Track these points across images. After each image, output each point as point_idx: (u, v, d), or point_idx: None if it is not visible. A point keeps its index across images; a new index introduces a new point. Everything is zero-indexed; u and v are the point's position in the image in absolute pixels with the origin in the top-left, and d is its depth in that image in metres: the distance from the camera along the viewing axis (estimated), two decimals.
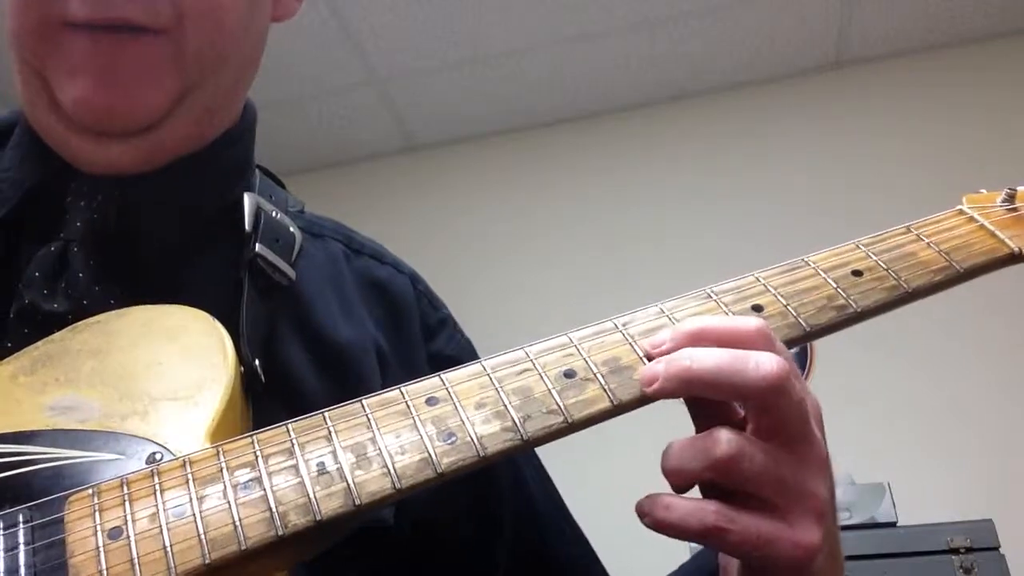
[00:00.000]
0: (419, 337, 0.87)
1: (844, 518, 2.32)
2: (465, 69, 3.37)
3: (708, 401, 0.58)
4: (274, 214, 0.82)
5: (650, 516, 0.55)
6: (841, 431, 2.90)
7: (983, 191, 0.77)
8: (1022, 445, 2.74)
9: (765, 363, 0.55)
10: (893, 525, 2.30)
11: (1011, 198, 0.76)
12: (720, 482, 0.55)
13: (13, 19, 0.71)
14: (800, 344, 0.65)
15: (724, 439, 0.55)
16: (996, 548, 2.18)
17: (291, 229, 0.83)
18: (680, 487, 0.57)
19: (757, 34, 3.26)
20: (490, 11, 3.10)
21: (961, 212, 0.75)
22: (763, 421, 0.56)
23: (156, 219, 0.77)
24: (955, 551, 2.18)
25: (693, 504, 0.55)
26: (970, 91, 3.23)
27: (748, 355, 0.56)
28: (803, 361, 3.01)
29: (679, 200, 3.38)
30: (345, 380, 0.77)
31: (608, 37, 3.25)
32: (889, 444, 2.79)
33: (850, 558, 2.29)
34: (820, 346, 3.00)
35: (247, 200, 0.80)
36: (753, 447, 0.55)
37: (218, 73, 0.77)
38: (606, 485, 2.17)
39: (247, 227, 0.79)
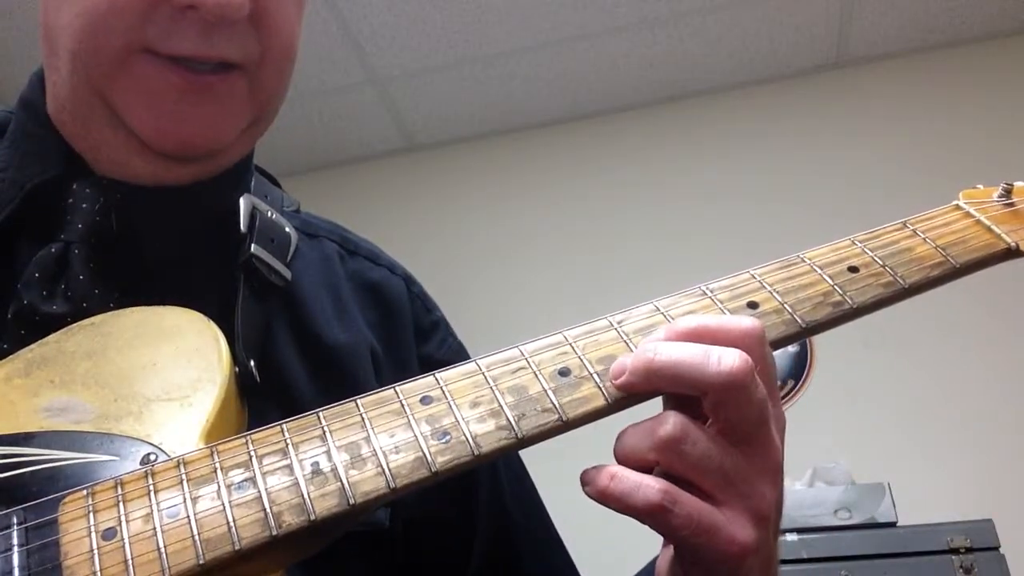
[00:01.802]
0: (411, 339, 0.86)
1: (844, 518, 2.32)
2: (465, 69, 3.36)
3: (683, 398, 0.58)
4: (269, 214, 0.82)
5: (593, 486, 0.55)
6: (841, 431, 2.90)
7: (979, 186, 0.77)
8: (1022, 445, 2.74)
9: (727, 358, 0.55)
10: (893, 525, 2.29)
11: (1007, 193, 0.76)
12: (666, 467, 0.55)
13: (87, 40, 0.71)
14: (796, 340, 0.65)
15: (670, 420, 0.55)
16: (996, 548, 2.17)
17: (286, 229, 0.83)
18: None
19: (757, 34, 3.26)
20: (490, 11, 3.10)
21: (957, 207, 0.75)
22: (720, 415, 0.56)
23: (157, 223, 0.77)
24: (955, 551, 2.17)
25: (638, 479, 0.55)
26: (970, 91, 3.23)
27: (711, 350, 0.56)
28: (803, 361, 3.01)
29: (679, 200, 3.37)
30: (339, 381, 0.77)
31: (608, 37, 3.25)
32: (889, 444, 2.79)
33: (850, 558, 2.29)
34: (820, 346, 3.00)
35: (243, 201, 0.80)
36: (698, 433, 0.55)
37: (281, 101, 0.80)
38: None
39: (242, 228, 0.79)
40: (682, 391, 0.57)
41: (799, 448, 2.73)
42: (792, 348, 2.99)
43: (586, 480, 0.56)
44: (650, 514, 0.54)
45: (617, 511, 0.55)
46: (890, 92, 3.32)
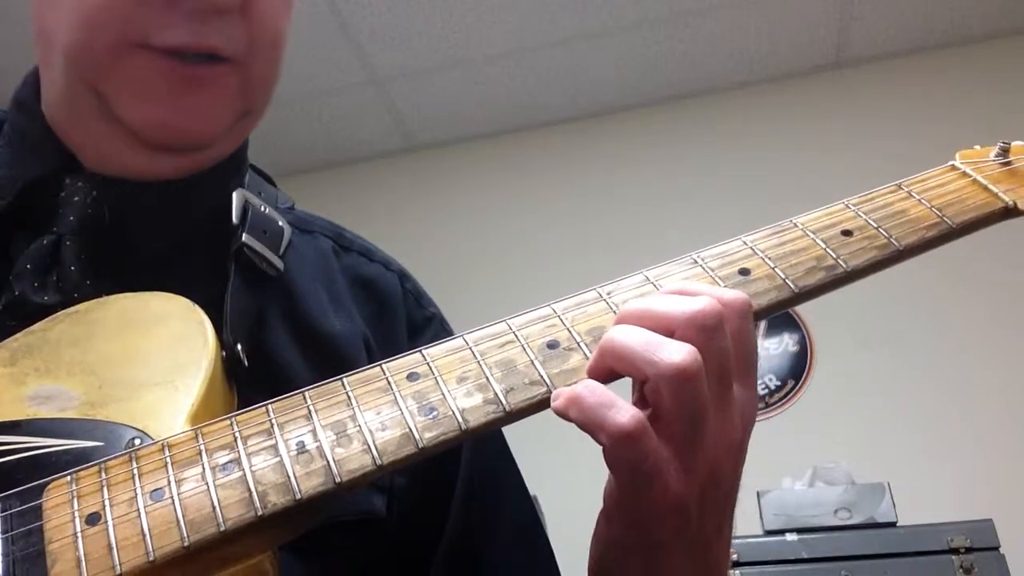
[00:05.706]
0: (405, 334, 0.86)
1: (844, 518, 2.31)
2: (465, 69, 3.36)
3: None
4: (263, 208, 0.83)
5: (563, 397, 0.54)
6: (841, 431, 2.89)
7: (977, 147, 0.75)
8: (1022, 445, 2.73)
9: (676, 352, 0.53)
10: (893, 525, 2.29)
11: (1005, 152, 0.74)
12: (656, 393, 0.53)
13: (80, 34, 0.71)
14: (790, 306, 0.64)
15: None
16: (996, 548, 2.17)
17: (280, 223, 0.83)
18: (602, 378, 0.55)
19: (757, 34, 3.26)
20: (490, 11, 3.10)
21: (953, 168, 0.73)
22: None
23: (148, 217, 0.77)
24: (955, 551, 2.17)
25: (613, 398, 0.53)
26: (970, 91, 3.22)
27: (663, 343, 0.54)
28: (803, 361, 3.00)
29: (679, 200, 3.37)
30: (333, 368, 0.76)
31: (608, 37, 3.25)
32: (889, 444, 2.78)
33: (850, 558, 2.29)
34: (820, 346, 3.00)
35: (235, 195, 0.81)
36: (705, 374, 0.53)
37: (271, 94, 0.81)
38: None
39: (234, 219, 0.79)
40: (629, 374, 0.55)
41: (799, 448, 2.72)
42: (792, 348, 2.98)
43: (558, 395, 0.54)
44: (618, 438, 0.52)
45: (579, 424, 0.53)
46: (890, 92, 3.32)
